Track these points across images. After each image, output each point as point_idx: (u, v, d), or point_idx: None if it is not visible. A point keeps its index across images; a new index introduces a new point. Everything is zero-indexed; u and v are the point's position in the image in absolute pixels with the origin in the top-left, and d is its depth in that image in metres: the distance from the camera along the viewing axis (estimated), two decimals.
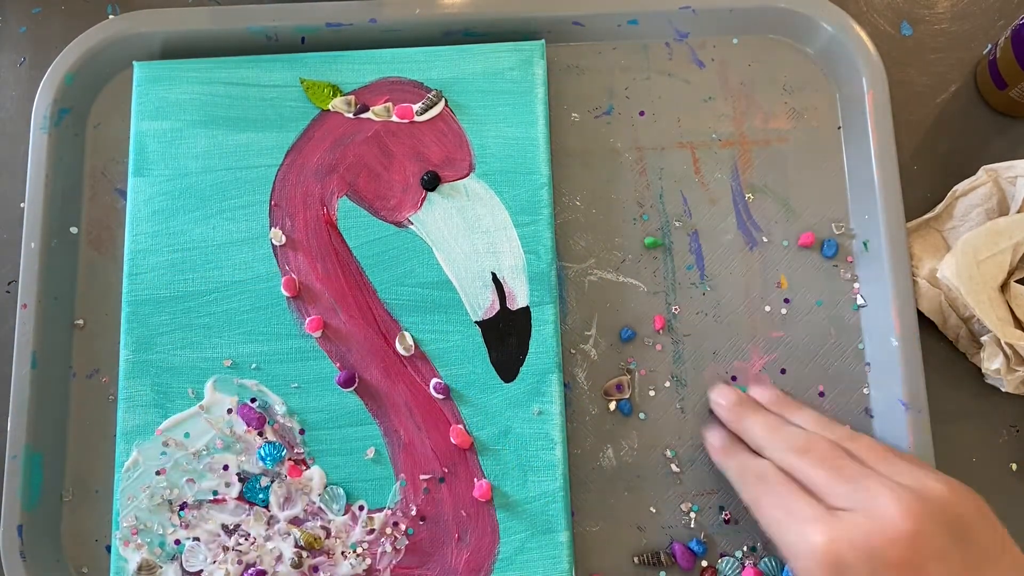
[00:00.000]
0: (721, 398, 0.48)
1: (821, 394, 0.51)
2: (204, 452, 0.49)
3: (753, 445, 0.46)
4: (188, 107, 0.52)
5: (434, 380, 0.49)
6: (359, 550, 0.48)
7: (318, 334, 0.50)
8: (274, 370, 0.50)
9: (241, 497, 0.48)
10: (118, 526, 0.48)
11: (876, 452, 0.42)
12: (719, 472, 0.50)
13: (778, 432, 0.44)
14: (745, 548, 0.49)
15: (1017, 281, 0.49)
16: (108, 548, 0.49)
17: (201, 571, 0.47)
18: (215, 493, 0.48)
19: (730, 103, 0.54)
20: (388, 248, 0.51)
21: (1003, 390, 0.50)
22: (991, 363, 0.49)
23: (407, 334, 0.50)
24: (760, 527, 0.43)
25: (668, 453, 0.50)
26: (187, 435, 0.49)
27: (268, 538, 0.48)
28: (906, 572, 0.36)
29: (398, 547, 0.48)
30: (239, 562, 0.47)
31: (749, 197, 0.53)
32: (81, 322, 0.52)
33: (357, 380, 0.49)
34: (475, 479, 0.48)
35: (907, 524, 0.37)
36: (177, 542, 0.48)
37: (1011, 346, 0.48)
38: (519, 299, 0.50)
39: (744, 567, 0.48)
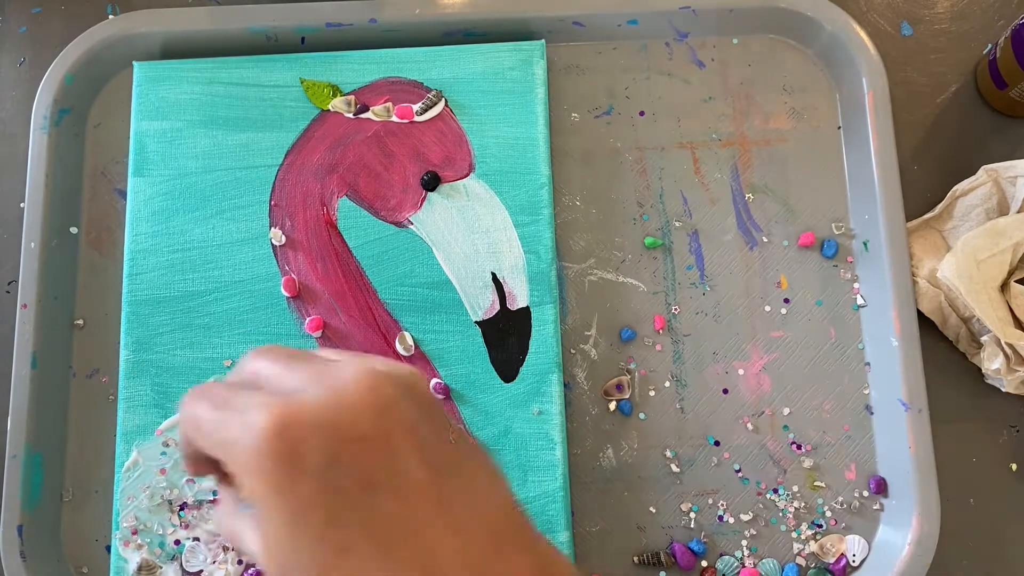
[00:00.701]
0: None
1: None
2: None
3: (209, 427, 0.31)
4: (188, 107, 0.52)
5: (434, 380, 0.49)
6: None
7: (318, 334, 0.50)
8: None
9: None
10: (118, 526, 0.48)
11: (279, 355, 0.31)
12: (719, 472, 0.50)
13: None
14: (745, 548, 0.49)
15: (1017, 281, 0.49)
16: (108, 548, 0.49)
17: (201, 571, 0.47)
18: (215, 493, 0.48)
19: (730, 103, 0.54)
20: (388, 248, 0.51)
21: (1003, 390, 0.50)
22: (991, 363, 0.49)
23: (407, 334, 0.50)
24: None
25: (668, 453, 0.50)
26: None
27: None
28: (372, 445, 0.28)
29: None
30: (239, 562, 0.47)
31: (749, 197, 0.53)
32: (81, 322, 0.52)
33: None
34: None
35: (370, 394, 0.28)
36: (177, 542, 0.48)
37: (1011, 346, 0.48)
38: (519, 299, 0.50)
39: (744, 567, 0.48)
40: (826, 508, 0.49)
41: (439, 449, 0.29)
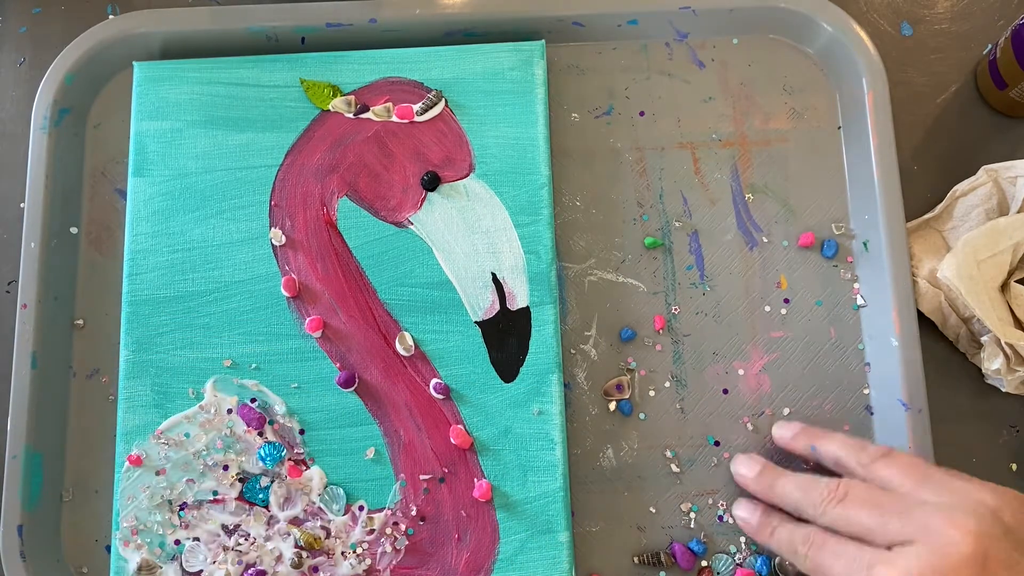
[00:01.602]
0: (744, 468, 0.47)
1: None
2: (204, 452, 0.49)
3: (791, 509, 0.44)
4: (188, 107, 0.52)
5: (434, 380, 0.49)
6: (359, 550, 0.48)
7: (318, 334, 0.50)
8: (274, 370, 0.50)
9: (241, 497, 0.48)
10: (118, 526, 0.48)
11: (914, 470, 0.41)
12: (719, 472, 0.50)
13: (812, 489, 0.43)
14: (743, 546, 0.49)
15: (1017, 281, 0.49)
16: (108, 548, 0.49)
17: (201, 571, 0.47)
18: (215, 493, 0.48)
19: (730, 103, 0.54)
20: (388, 248, 0.51)
21: (1003, 390, 0.50)
22: (991, 363, 0.49)
23: (407, 334, 0.50)
24: None
25: (668, 453, 0.50)
26: (187, 435, 0.49)
27: (268, 538, 0.48)
28: None
29: (398, 547, 0.48)
30: (239, 562, 0.47)
31: (749, 197, 0.53)
32: (81, 322, 0.52)
33: (357, 380, 0.49)
34: (475, 479, 0.48)
35: (968, 544, 0.37)
36: (177, 542, 0.48)
37: (1011, 346, 0.48)
38: (519, 299, 0.50)
39: (740, 567, 0.48)
40: None
41: None
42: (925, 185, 0.54)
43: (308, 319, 0.50)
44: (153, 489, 0.48)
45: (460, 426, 0.49)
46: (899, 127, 0.53)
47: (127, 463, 0.48)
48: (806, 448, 0.46)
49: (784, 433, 0.48)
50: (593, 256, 0.53)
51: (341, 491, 0.48)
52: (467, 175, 0.52)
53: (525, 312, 0.50)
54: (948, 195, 0.52)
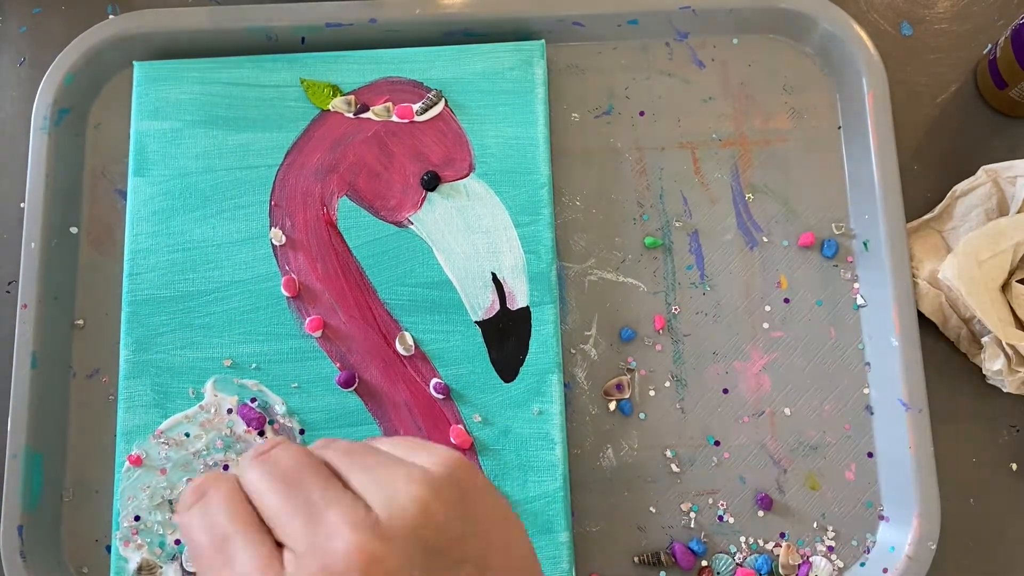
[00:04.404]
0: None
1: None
2: (204, 452, 0.49)
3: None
4: (188, 107, 0.52)
5: (434, 380, 0.49)
6: None
7: (318, 334, 0.50)
8: (274, 370, 0.50)
9: None
10: (118, 526, 0.48)
11: (353, 452, 0.31)
12: (719, 472, 0.50)
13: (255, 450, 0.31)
14: (744, 545, 0.49)
15: (1018, 281, 0.49)
16: (108, 548, 0.49)
17: None
18: None
19: (730, 103, 0.54)
20: (388, 248, 0.51)
21: (1004, 391, 0.50)
22: (992, 364, 0.49)
23: (407, 334, 0.50)
24: None
25: (668, 453, 0.50)
26: (187, 435, 0.49)
27: None
28: None
29: None
30: None
31: (749, 197, 0.53)
32: (81, 322, 0.52)
33: (357, 380, 0.49)
34: None
35: (359, 560, 0.27)
36: (177, 542, 0.48)
37: (1012, 347, 0.48)
38: (519, 299, 0.50)
39: (739, 566, 0.48)
40: (824, 513, 0.49)
41: None
42: (925, 185, 0.54)
43: (308, 319, 0.50)
44: (153, 489, 0.48)
45: (460, 426, 0.49)
46: (899, 127, 0.53)
47: (127, 463, 0.48)
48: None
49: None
50: (593, 256, 0.53)
51: None
52: (467, 175, 0.52)
53: (525, 312, 0.50)
54: (948, 195, 0.52)
